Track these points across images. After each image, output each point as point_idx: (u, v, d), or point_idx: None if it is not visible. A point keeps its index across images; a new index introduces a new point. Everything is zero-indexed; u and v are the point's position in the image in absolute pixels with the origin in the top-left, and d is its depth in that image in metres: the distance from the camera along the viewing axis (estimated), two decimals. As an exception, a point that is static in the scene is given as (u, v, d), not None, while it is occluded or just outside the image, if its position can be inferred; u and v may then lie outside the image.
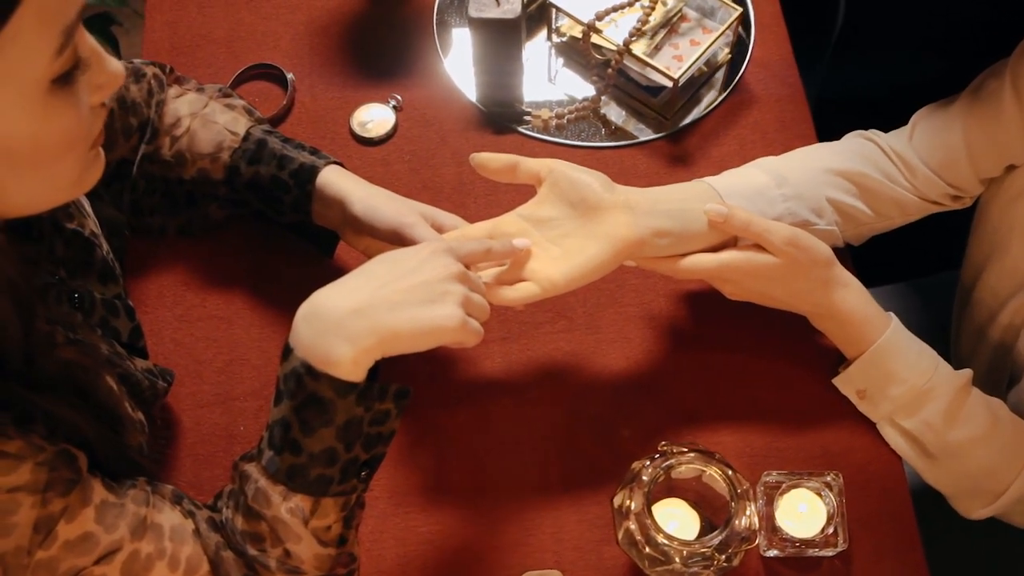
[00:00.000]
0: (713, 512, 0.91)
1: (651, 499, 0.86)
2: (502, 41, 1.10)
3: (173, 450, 0.99)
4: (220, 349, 1.04)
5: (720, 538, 0.84)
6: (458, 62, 1.21)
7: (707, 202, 0.92)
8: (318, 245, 1.04)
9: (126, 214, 1.02)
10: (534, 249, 0.90)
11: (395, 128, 1.16)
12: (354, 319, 0.74)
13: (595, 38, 1.14)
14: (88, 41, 0.65)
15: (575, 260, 0.88)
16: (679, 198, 0.93)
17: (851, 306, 0.94)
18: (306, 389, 0.73)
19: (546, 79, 1.21)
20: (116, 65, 0.68)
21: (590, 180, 0.90)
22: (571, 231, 0.90)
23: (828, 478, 0.92)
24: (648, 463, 0.88)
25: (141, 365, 0.89)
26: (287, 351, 0.75)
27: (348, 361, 0.73)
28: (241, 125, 1.00)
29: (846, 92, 1.41)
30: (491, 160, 0.93)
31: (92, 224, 0.89)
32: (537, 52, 1.22)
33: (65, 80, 0.63)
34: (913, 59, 1.36)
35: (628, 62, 1.14)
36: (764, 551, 0.91)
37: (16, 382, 0.68)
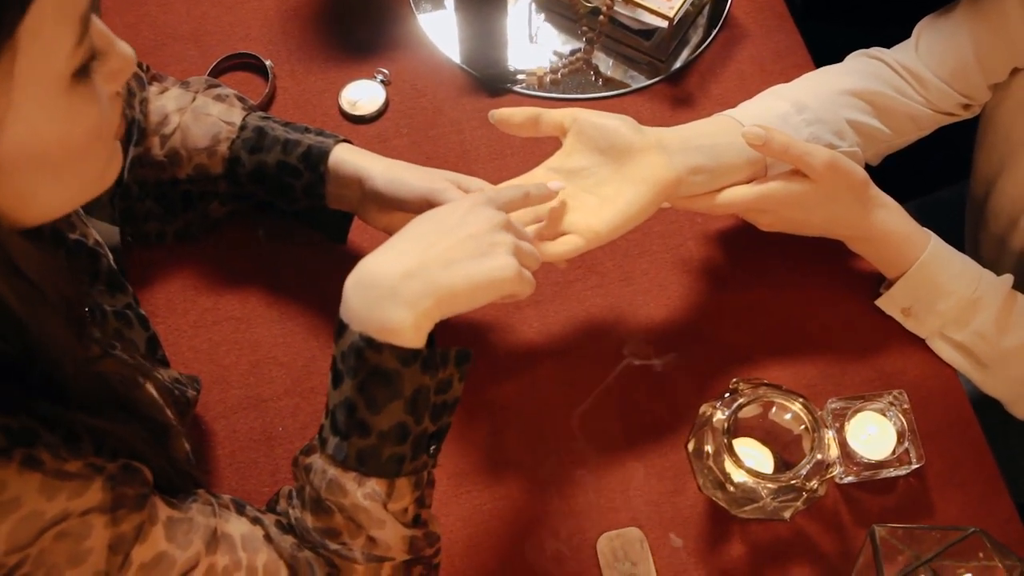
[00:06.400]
0: (783, 447, 0.89)
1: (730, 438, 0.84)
2: (487, 1, 1.06)
3: (212, 460, 0.94)
4: (243, 351, 0.98)
5: (808, 467, 0.82)
6: (439, 27, 1.17)
7: (735, 134, 0.89)
8: (328, 231, 1.00)
9: (119, 222, 0.97)
10: (571, 201, 0.86)
11: (387, 103, 1.11)
12: (408, 282, 0.70)
13: (582, -13, 1.11)
14: (99, 27, 0.61)
15: (615, 207, 0.85)
16: (708, 132, 0.91)
17: (891, 226, 0.93)
18: (368, 363, 0.69)
19: (526, 37, 1.17)
20: (126, 48, 0.63)
21: (617, 124, 0.87)
22: (605, 178, 0.87)
23: (891, 397, 0.90)
24: (718, 403, 0.86)
25: (167, 375, 0.85)
26: (341, 327, 0.71)
27: (409, 327, 0.69)
28: (236, 114, 0.95)
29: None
30: (513, 115, 0.89)
31: (94, 233, 0.84)
32: (512, 11, 1.18)
33: (83, 72, 0.59)
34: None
35: (618, 7, 1.11)
36: (841, 478, 0.90)
37: (59, 403, 0.63)
